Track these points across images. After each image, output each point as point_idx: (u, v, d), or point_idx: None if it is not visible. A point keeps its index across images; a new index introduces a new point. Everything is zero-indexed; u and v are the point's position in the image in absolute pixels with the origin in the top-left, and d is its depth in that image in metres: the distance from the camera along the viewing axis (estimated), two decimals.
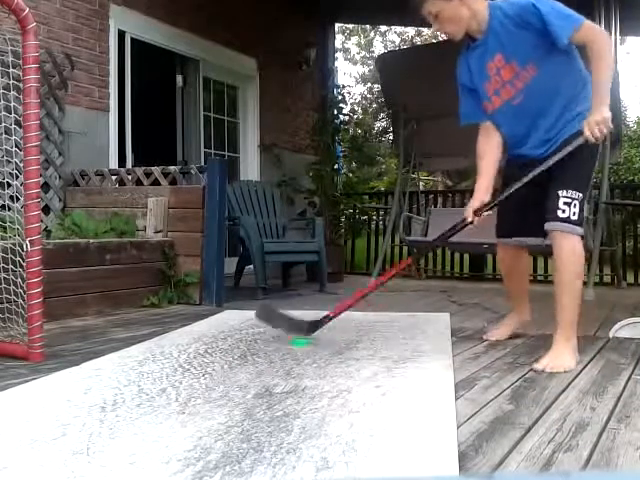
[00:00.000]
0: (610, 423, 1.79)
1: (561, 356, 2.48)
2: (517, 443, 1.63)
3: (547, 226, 2.57)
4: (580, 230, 2.53)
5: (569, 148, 2.50)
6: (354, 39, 18.73)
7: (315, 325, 2.85)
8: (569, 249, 2.53)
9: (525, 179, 2.56)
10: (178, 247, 4.37)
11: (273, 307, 3.10)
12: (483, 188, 2.70)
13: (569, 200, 2.51)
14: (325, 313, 2.85)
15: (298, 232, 6.08)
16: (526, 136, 2.66)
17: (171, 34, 5.74)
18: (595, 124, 2.39)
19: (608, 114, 2.38)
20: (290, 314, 2.97)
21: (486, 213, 2.64)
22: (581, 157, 2.54)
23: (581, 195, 2.54)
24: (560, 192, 2.53)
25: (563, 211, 2.50)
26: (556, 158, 2.53)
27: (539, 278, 7.02)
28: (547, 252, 6.22)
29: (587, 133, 2.41)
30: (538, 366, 2.43)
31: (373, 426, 1.71)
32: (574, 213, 2.51)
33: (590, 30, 2.44)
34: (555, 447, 1.60)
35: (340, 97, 7.56)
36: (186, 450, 1.52)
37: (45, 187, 4.46)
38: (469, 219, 2.65)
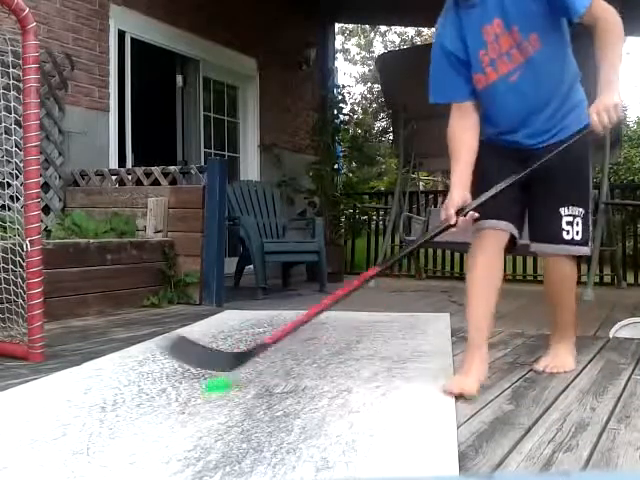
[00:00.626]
0: (610, 423, 1.79)
1: (561, 356, 2.44)
2: (517, 443, 1.63)
3: (549, 249, 2.29)
4: (586, 250, 2.30)
5: (570, 141, 2.16)
6: (354, 40, 18.73)
7: (243, 357, 2.20)
8: (572, 269, 2.36)
9: (522, 174, 2.16)
10: (178, 247, 4.37)
11: (186, 340, 2.27)
12: (463, 181, 2.18)
13: (571, 218, 2.24)
14: (260, 343, 2.23)
15: (298, 232, 6.08)
16: (521, 122, 2.26)
17: (171, 34, 5.73)
18: (605, 110, 2.00)
19: (619, 99, 2.02)
20: (209, 347, 2.44)
21: (472, 214, 2.13)
22: (577, 164, 2.29)
23: (583, 211, 2.27)
24: (562, 210, 2.25)
25: (567, 232, 2.24)
26: (559, 150, 2.16)
27: (539, 278, 7.03)
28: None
29: (595, 119, 2.01)
30: (538, 367, 2.41)
31: (373, 426, 1.71)
32: (577, 232, 2.24)
33: (603, 5, 2.13)
34: (555, 447, 1.60)
35: (340, 97, 7.56)
36: (186, 450, 1.52)
37: (45, 187, 4.46)
38: (452, 221, 2.11)
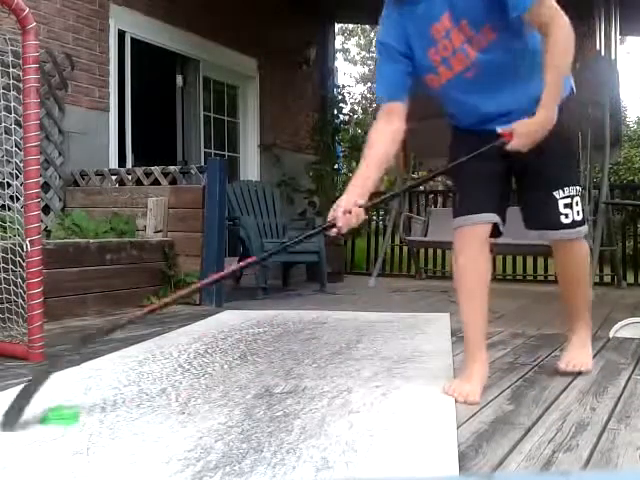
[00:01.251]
0: (610, 423, 1.79)
1: (582, 352, 2.36)
2: (517, 443, 1.63)
3: (551, 236, 2.20)
4: (586, 229, 2.23)
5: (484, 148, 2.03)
6: (354, 40, 18.74)
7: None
8: (583, 253, 2.28)
9: (476, 153, 2.03)
10: (178, 247, 4.37)
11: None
12: (361, 184, 2.04)
13: (569, 200, 2.14)
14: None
15: (298, 232, 6.08)
16: (484, 116, 2.12)
17: (171, 34, 5.73)
18: (526, 132, 1.96)
19: (549, 120, 1.95)
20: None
21: (361, 217, 1.98)
22: (567, 146, 2.19)
23: (578, 188, 2.19)
24: (556, 193, 2.14)
25: (566, 216, 2.15)
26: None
27: (539, 278, 7.03)
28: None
29: (515, 141, 1.96)
30: (561, 365, 2.32)
31: (373, 426, 1.71)
32: (577, 212, 2.16)
33: (552, 10, 1.94)
34: (555, 447, 1.60)
35: (340, 97, 7.56)
36: (186, 450, 1.52)
37: (45, 187, 4.46)
38: (339, 223, 1.94)
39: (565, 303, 2.39)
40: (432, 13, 2.02)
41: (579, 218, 2.17)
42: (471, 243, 2.13)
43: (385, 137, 2.17)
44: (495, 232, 2.16)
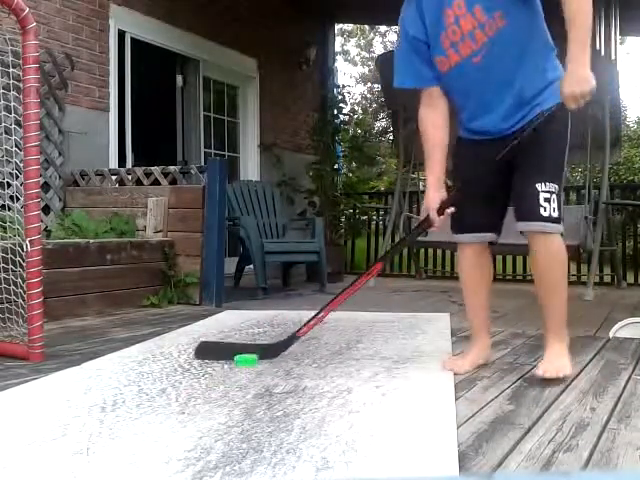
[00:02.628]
0: (610, 423, 1.79)
1: (558, 359, 2.27)
2: (517, 443, 1.63)
3: (525, 226, 2.21)
4: (561, 228, 2.22)
5: (541, 119, 2.12)
6: (353, 40, 18.74)
7: (283, 346, 2.54)
8: (555, 250, 2.22)
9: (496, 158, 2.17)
10: (178, 247, 4.37)
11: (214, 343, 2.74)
12: (438, 179, 2.27)
13: (548, 195, 2.17)
14: (292, 333, 2.55)
15: (298, 232, 6.08)
16: (488, 106, 2.21)
17: (171, 34, 5.74)
18: (577, 83, 1.97)
19: (589, 73, 1.96)
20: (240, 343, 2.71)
21: (449, 210, 2.24)
22: (555, 140, 2.21)
23: (558, 187, 2.20)
24: (538, 186, 2.16)
25: (545, 209, 2.16)
26: (531, 129, 2.14)
27: None
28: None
29: (567, 91, 1.98)
30: (538, 372, 2.24)
31: (373, 426, 1.71)
32: (554, 209, 2.17)
33: None
34: (555, 447, 1.60)
35: (340, 97, 7.56)
36: (186, 450, 1.52)
37: (45, 187, 4.46)
38: (436, 223, 2.27)
39: (541, 311, 2.34)
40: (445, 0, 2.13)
41: (555, 215, 2.17)
42: (468, 254, 2.42)
43: (437, 123, 2.28)
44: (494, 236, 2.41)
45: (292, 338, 2.50)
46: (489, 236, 2.39)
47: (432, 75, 2.25)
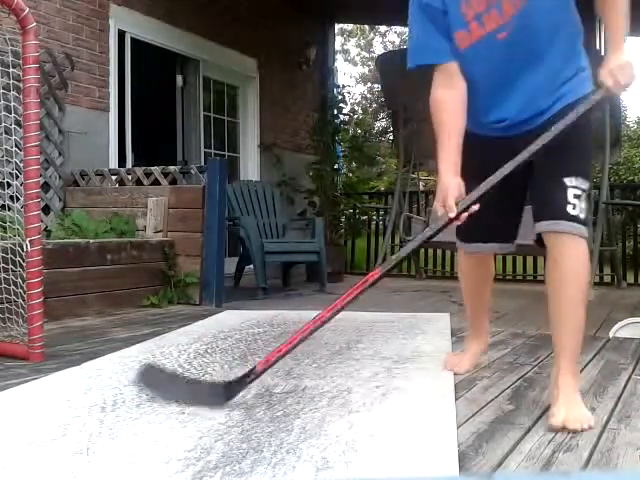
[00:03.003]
0: (610, 423, 1.79)
1: (577, 407, 1.80)
2: (517, 443, 1.63)
3: (551, 226, 1.84)
4: (586, 232, 1.87)
5: (581, 108, 1.82)
6: (353, 40, 18.75)
7: (235, 387, 1.89)
8: (582, 257, 1.85)
9: (520, 157, 1.80)
10: (178, 247, 4.37)
11: (160, 369, 2.19)
12: (455, 165, 1.88)
13: (579, 192, 1.84)
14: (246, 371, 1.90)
15: (298, 232, 6.08)
16: (510, 91, 1.92)
17: (171, 34, 5.73)
18: (619, 68, 1.77)
19: (629, 60, 1.79)
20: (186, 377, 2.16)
21: (475, 207, 1.81)
22: (582, 130, 1.90)
23: (589, 186, 1.89)
24: (567, 180, 1.84)
25: (574, 207, 1.82)
26: (568, 121, 1.80)
27: (539, 278, 7.02)
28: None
29: (609, 82, 1.77)
30: (556, 423, 1.74)
31: (373, 426, 1.71)
32: (582, 210, 1.84)
33: None
34: (555, 447, 1.60)
35: (340, 97, 7.56)
36: (186, 450, 1.52)
37: (45, 187, 4.46)
38: (453, 214, 1.81)
39: (553, 339, 1.93)
40: None
41: (582, 216, 1.84)
42: (470, 260, 2.29)
43: (455, 106, 1.93)
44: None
45: (250, 374, 1.88)
46: (499, 247, 2.18)
47: (450, 48, 1.93)
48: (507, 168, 1.80)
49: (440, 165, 1.90)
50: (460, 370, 2.33)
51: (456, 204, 1.81)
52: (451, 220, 1.82)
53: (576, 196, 1.84)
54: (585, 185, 1.87)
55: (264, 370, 1.87)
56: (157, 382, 2.00)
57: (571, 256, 1.84)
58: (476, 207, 1.80)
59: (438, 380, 2.22)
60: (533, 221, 1.93)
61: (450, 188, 1.83)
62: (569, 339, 1.89)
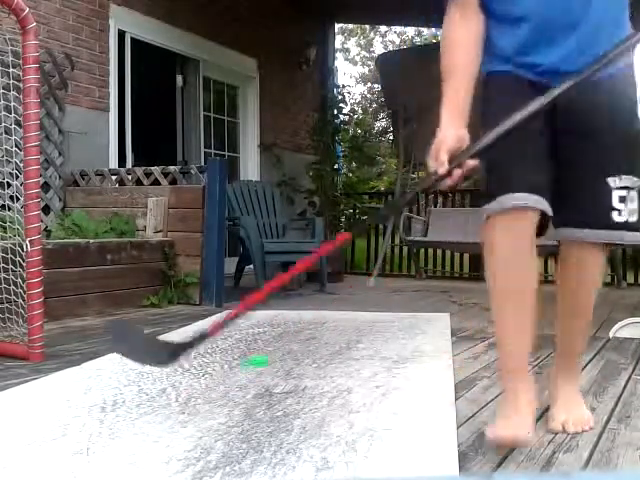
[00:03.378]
0: (610, 423, 1.79)
1: (577, 408, 1.77)
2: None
3: (589, 236, 1.58)
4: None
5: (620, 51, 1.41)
6: (354, 39, 18.76)
7: (182, 348, 1.73)
8: (602, 265, 1.68)
9: (544, 99, 1.40)
10: (178, 247, 4.37)
11: (130, 327, 2.25)
12: (460, 112, 1.54)
13: (624, 192, 1.55)
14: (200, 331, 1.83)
15: (298, 232, 6.08)
16: (568, 27, 1.54)
17: (171, 34, 5.74)
18: None
19: None
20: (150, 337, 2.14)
21: (471, 162, 1.44)
22: (630, 119, 1.62)
23: (637, 181, 1.59)
24: (611, 181, 1.55)
25: (619, 212, 1.55)
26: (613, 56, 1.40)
27: (539, 278, 7.01)
28: (542, 253, 6.19)
29: None
30: (557, 426, 1.70)
31: (373, 426, 1.70)
32: (632, 212, 1.56)
33: None
34: (555, 447, 1.60)
35: (340, 97, 7.57)
36: (186, 450, 1.52)
37: (45, 187, 4.46)
38: (441, 170, 1.44)
39: (558, 340, 1.82)
40: None
41: (633, 219, 1.57)
42: (514, 237, 1.52)
43: (469, 41, 1.60)
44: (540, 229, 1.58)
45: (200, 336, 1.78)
46: (544, 204, 1.52)
47: None
48: (525, 111, 1.40)
49: (443, 113, 1.55)
50: (527, 442, 1.57)
51: (451, 160, 1.45)
52: (441, 177, 1.45)
53: (622, 199, 1.56)
54: (632, 181, 1.58)
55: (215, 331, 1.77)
56: (121, 336, 1.98)
57: (595, 264, 1.67)
58: (473, 163, 1.44)
59: (438, 380, 2.22)
60: (560, 223, 1.62)
61: (446, 141, 1.48)
62: (580, 341, 1.80)
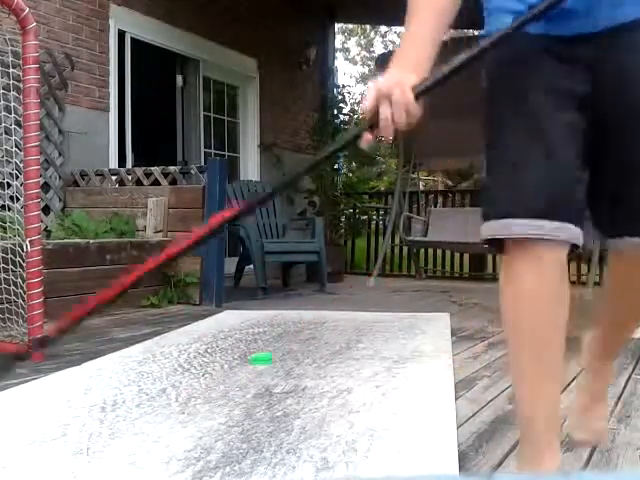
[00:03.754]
0: (610, 423, 1.79)
1: (598, 421, 1.55)
2: (517, 443, 1.63)
3: None
4: None
5: None
6: (354, 39, 18.76)
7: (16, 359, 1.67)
8: None
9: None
10: None
11: None
12: (416, 61, 1.14)
13: None
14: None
15: (298, 232, 6.08)
16: None
17: (171, 34, 5.73)
18: None
19: None
20: None
21: (413, 110, 1.09)
22: None
23: None
24: None
25: None
26: None
27: None
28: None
29: None
30: (578, 436, 1.52)
31: (373, 426, 1.71)
32: None
33: None
34: None
35: (340, 97, 7.56)
36: (186, 450, 1.52)
37: (45, 187, 4.46)
38: (381, 123, 1.09)
39: (602, 344, 1.63)
40: None
41: None
42: (542, 275, 1.18)
43: None
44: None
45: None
46: (577, 234, 1.19)
47: None
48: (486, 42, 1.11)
49: (395, 58, 1.17)
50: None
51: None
52: (375, 125, 1.10)
53: None
54: None
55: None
56: None
57: None
58: (415, 112, 1.10)
59: (438, 380, 2.22)
60: (606, 232, 1.30)
61: (390, 79, 1.11)
62: (617, 348, 1.66)
